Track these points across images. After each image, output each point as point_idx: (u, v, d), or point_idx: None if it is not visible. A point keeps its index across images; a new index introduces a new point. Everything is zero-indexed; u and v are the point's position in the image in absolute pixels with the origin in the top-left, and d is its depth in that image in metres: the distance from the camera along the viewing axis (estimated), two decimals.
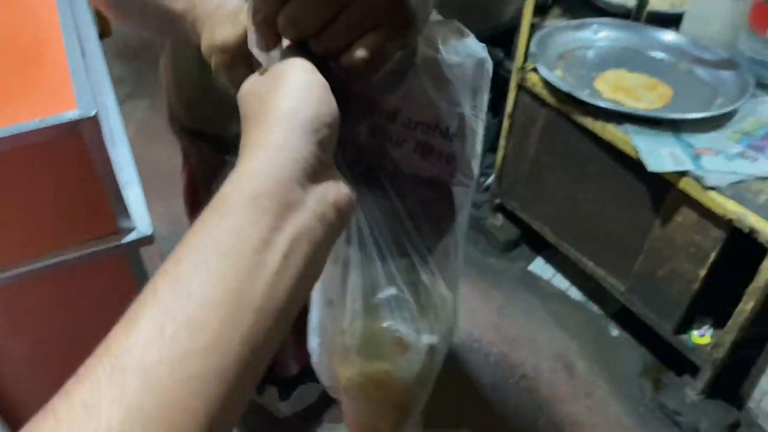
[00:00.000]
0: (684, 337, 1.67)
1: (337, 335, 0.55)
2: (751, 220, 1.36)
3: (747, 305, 1.45)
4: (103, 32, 3.35)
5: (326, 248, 0.38)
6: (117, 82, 2.93)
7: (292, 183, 0.36)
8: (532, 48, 1.78)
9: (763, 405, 1.67)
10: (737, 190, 1.43)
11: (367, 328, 0.54)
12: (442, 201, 0.51)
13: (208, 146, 1.12)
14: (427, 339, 0.55)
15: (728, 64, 1.75)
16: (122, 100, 2.91)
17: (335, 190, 0.39)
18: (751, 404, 1.70)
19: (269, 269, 0.34)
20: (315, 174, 0.37)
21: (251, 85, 0.42)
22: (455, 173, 0.50)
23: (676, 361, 1.76)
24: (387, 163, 0.48)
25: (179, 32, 0.64)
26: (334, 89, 0.40)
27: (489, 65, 0.49)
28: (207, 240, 0.34)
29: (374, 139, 0.48)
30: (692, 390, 1.68)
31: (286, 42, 0.43)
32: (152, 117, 2.83)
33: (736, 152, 1.52)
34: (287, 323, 0.35)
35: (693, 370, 1.68)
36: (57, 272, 0.89)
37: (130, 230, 0.91)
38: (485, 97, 0.50)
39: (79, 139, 0.80)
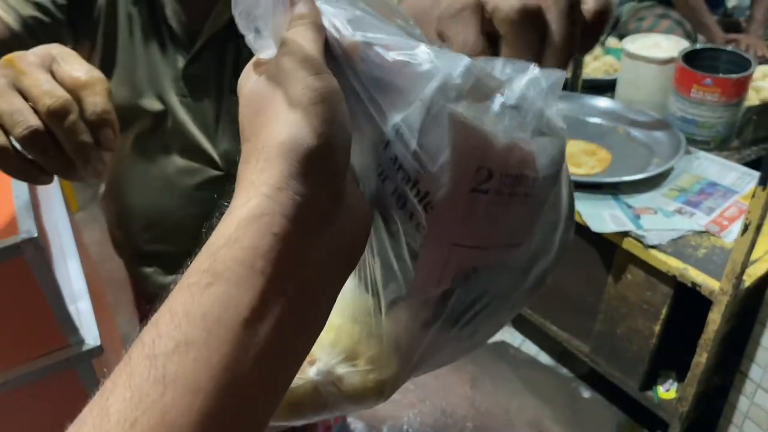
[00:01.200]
0: (649, 393, 1.69)
1: None
2: (693, 274, 1.41)
3: (701, 357, 1.48)
4: None
5: (332, 298, 0.33)
6: (81, 185, 2.98)
7: (294, 236, 0.29)
8: None
9: None
10: (677, 246, 1.49)
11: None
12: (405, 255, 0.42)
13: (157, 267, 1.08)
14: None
15: (661, 124, 1.85)
16: (87, 203, 2.96)
17: (351, 229, 0.32)
18: None
19: (259, 344, 0.28)
20: (325, 216, 0.31)
21: (253, 85, 0.33)
22: (418, 237, 0.40)
23: (647, 416, 1.78)
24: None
25: None
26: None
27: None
28: (191, 310, 0.28)
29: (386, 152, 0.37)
30: None
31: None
32: None
33: (673, 209, 1.59)
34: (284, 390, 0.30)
35: (664, 425, 1.69)
36: (8, 391, 0.90)
37: (79, 343, 0.93)
38: None
39: (22, 261, 0.83)
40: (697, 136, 1.82)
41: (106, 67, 0.85)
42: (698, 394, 1.55)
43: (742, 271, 1.34)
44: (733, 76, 1.71)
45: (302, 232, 0.30)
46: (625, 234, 1.52)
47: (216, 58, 0.86)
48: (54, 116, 0.47)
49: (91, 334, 0.95)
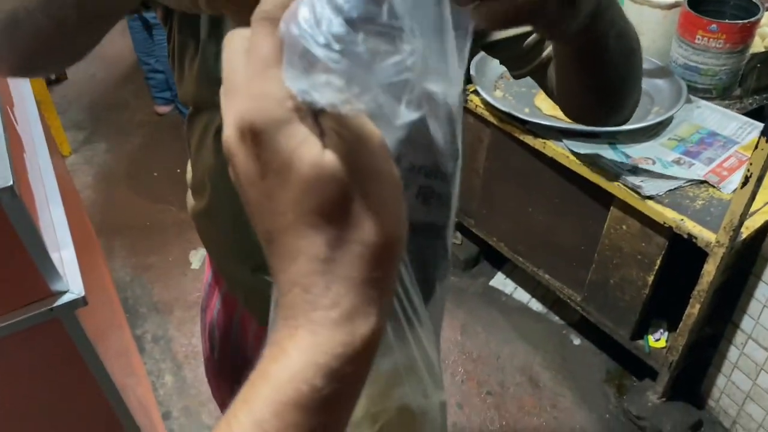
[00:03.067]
0: (640, 342, 1.70)
1: None
2: (689, 225, 1.40)
3: (694, 308, 1.48)
4: (58, 78, 3.36)
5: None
6: (74, 127, 2.94)
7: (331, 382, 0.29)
8: (471, 71, 1.81)
9: (722, 403, 1.70)
10: (675, 197, 1.46)
11: (374, 404, 0.49)
12: (435, 247, 0.47)
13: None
14: (438, 397, 0.49)
15: (662, 72, 1.80)
16: (80, 145, 2.91)
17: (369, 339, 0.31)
18: (711, 403, 1.73)
19: None
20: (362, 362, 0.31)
21: (334, 167, 0.29)
22: (450, 215, 0.46)
23: (637, 365, 1.79)
24: None
25: None
26: None
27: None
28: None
29: None
30: (654, 394, 1.71)
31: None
32: (110, 161, 2.83)
33: (672, 159, 1.56)
34: None
35: (653, 373, 1.71)
36: None
37: (63, 293, 0.92)
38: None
39: None
40: (698, 84, 1.77)
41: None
42: (689, 344, 1.56)
43: (741, 224, 1.32)
44: (740, 21, 1.65)
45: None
46: (623, 184, 1.50)
47: None
48: None
49: (75, 284, 0.93)
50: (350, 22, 0.29)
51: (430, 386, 0.48)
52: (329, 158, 0.29)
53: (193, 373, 1.90)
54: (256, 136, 0.29)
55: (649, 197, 1.46)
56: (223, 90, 0.31)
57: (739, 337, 1.59)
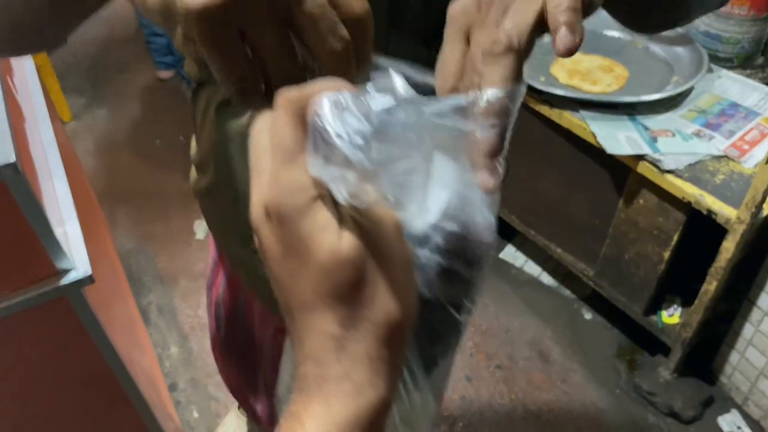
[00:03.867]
0: (653, 318, 1.68)
1: None
2: (708, 201, 1.36)
3: (710, 285, 1.45)
4: None
5: None
6: (73, 92, 2.88)
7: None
8: None
9: (734, 379, 1.69)
10: (694, 171, 1.42)
11: None
12: (449, 323, 0.49)
13: None
14: None
15: (683, 39, 1.74)
16: (80, 112, 2.86)
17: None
18: (723, 379, 1.72)
19: None
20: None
21: (353, 249, 0.32)
22: (470, 297, 0.48)
23: (649, 340, 1.77)
24: None
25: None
26: None
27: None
28: None
29: None
30: (665, 369, 1.69)
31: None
32: (112, 127, 2.78)
33: (691, 132, 1.51)
34: None
35: (665, 349, 1.69)
36: None
37: (68, 271, 0.89)
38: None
39: (2, 186, 0.77)
40: (720, 53, 1.72)
41: None
42: (703, 320, 1.54)
43: (763, 200, 1.28)
44: None
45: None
46: (641, 157, 1.46)
47: None
48: (359, 23, 0.37)
49: (81, 261, 0.90)
50: (370, 122, 0.31)
51: None
52: (345, 245, 0.31)
53: (199, 344, 1.88)
54: (280, 219, 0.32)
55: (669, 171, 1.42)
56: (251, 168, 0.34)
57: (755, 314, 1.56)
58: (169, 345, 1.90)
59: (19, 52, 0.73)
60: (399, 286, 0.33)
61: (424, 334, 0.44)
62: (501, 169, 0.41)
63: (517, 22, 0.39)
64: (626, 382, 1.78)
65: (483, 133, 0.39)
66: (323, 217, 0.32)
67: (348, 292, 0.32)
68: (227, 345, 1.19)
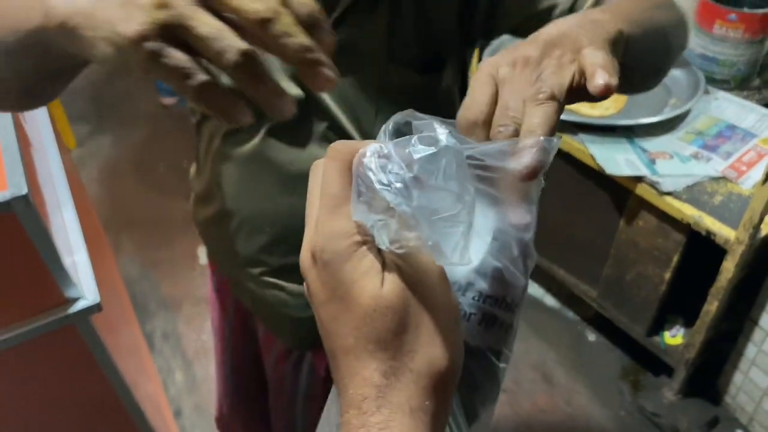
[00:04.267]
0: (656, 338, 1.68)
1: None
2: (707, 222, 1.37)
3: (711, 305, 1.46)
4: None
5: None
6: (78, 120, 2.91)
7: None
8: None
9: (739, 400, 1.69)
10: (693, 192, 1.44)
11: None
12: (488, 371, 0.49)
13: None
14: None
15: (680, 62, 1.76)
16: (84, 139, 2.89)
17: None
18: (728, 399, 1.72)
19: None
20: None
21: (395, 293, 0.33)
22: (508, 343, 0.48)
23: (652, 361, 1.77)
24: None
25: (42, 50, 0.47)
26: None
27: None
28: None
29: None
30: (669, 390, 1.69)
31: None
32: (116, 154, 2.81)
33: (689, 154, 1.53)
34: None
35: (669, 370, 1.69)
36: (7, 349, 0.87)
37: (77, 299, 0.90)
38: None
39: (13, 218, 0.79)
40: (716, 75, 1.74)
41: None
42: (706, 340, 1.54)
43: (761, 221, 1.29)
44: (760, 11, 1.62)
45: None
46: (639, 179, 1.47)
47: (365, 21, 0.70)
48: (263, 23, 0.37)
49: (89, 289, 0.91)
50: (411, 169, 0.33)
51: None
52: (387, 291, 0.32)
53: (203, 370, 1.89)
54: (324, 264, 0.33)
55: (668, 193, 1.44)
56: (306, 215, 0.36)
57: (757, 334, 1.57)
58: (173, 371, 1.91)
59: (14, 109, 0.76)
60: (443, 335, 0.33)
61: (463, 383, 0.44)
62: (534, 212, 0.43)
63: (556, 78, 0.43)
64: (630, 404, 1.77)
65: (521, 166, 0.40)
66: (366, 262, 0.32)
67: (390, 339, 0.32)
68: (234, 372, 1.19)
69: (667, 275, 1.55)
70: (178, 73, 0.38)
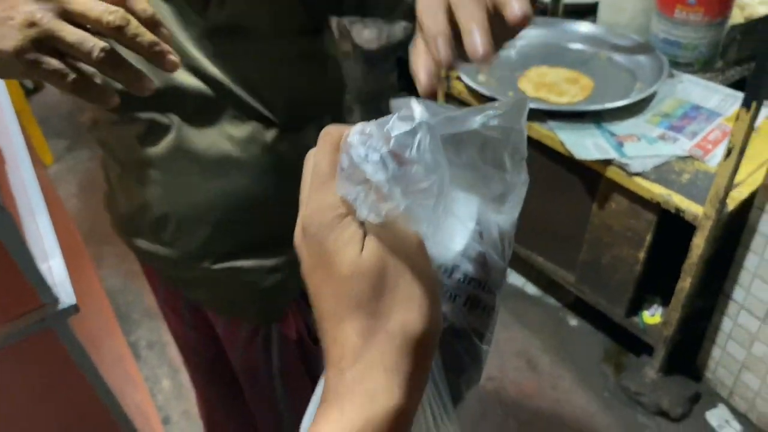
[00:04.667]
0: (635, 319, 1.71)
1: None
2: (676, 200, 1.40)
3: (685, 282, 1.49)
4: (36, 86, 3.32)
5: None
6: (54, 136, 2.91)
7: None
8: None
9: (718, 374, 1.72)
10: (661, 172, 1.47)
11: None
12: (472, 353, 0.51)
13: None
14: None
15: (643, 48, 1.80)
16: (62, 154, 2.89)
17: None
18: (708, 374, 1.75)
19: None
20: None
21: (375, 257, 0.36)
22: (490, 326, 0.51)
23: (633, 342, 1.80)
24: None
25: None
26: None
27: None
28: None
29: None
30: (651, 369, 1.72)
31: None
32: (95, 168, 2.81)
33: (656, 135, 1.56)
34: None
35: (650, 349, 1.72)
36: None
37: (54, 303, 0.91)
38: None
39: None
40: (680, 59, 1.78)
41: None
42: (682, 317, 1.57)
43: (726, 196, 1.33)
44: None
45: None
46: (609, 162, 1.50)
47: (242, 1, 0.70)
48: (119, 29, 0.51)
49: (65, 293, 0.92)
50: (387, 144, 0.36)
51: None
52: (365, 256, 0.35)
53: None
54: (312, 236, 0.36)
55: (637, 174, 1.47)
56: (300, 198, 0.39)
57: (731, 308, 1.60)
58: (160, 379, 1.91)
59: None
60: (419, 300, 0.35)
61: (451, 366, 0.47)
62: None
63: None
64: (614, 385, 1.80)
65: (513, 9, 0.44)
66: (348, 232, 0.35)
67: (366, 301, 0.35)
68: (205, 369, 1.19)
69: (642, 255, 1.58)
70: (55, 74, 0.51)
